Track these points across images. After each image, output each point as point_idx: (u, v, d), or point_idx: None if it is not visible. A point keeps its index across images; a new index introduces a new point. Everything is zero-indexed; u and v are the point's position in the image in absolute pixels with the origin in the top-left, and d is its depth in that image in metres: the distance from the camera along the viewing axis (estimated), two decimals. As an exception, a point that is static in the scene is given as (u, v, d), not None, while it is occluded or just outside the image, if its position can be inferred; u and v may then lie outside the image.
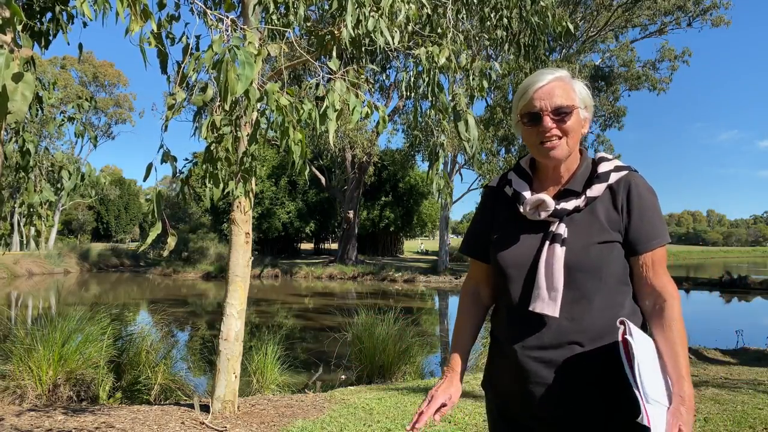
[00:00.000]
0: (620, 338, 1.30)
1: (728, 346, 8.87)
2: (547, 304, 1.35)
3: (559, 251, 1.37)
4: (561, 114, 1.39)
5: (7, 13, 1.81)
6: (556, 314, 1.35)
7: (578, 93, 1.44)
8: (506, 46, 4.77)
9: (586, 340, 1.35)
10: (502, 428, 1.52)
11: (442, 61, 3.07)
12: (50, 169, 3.80)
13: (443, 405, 1.48)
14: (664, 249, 1.42)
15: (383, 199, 38.41)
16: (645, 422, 1.21)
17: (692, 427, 1.31)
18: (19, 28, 1.49)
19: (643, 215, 1.40)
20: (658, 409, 1.26)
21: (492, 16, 4.61)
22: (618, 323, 1.31)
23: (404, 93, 3.28)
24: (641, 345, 1.30)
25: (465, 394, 5.12)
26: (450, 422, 4.15)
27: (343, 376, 6.93)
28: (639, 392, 1.23)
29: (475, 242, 1.60)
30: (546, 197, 1.41)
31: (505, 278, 1.46)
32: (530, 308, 1.37)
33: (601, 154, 1.50)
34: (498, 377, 1.51)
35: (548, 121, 1.39)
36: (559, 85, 1.41)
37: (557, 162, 1.44)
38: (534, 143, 1.43)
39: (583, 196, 1.42)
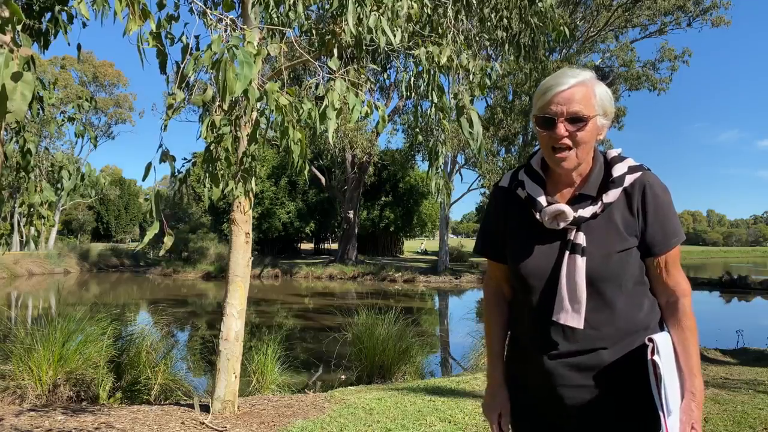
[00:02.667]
0: (649, 357, 1.33)
1: (728, 346, 8.86)
2: (571, 316, 1.37)
3: (580, 262, 1.37)
4: (576, 123, 1.36)
5: (6, 13, 1.81)
6: (581, 326, 1.36)
7: (598, 99, 1.39)
8: (506, 47, 4.77)
9: (610, 343, 1.38)
10: (527, 427, 1.54)
11: (443, 60, 3.07)
12: (50, 169, 3.80)
13: (500, 416, 1.56)
14: (678, 247, 1.43)
15: (383, 199, 38.39)
16: None
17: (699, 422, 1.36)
18: (19, 27, 1.49)
19: (658, 217, 1.40)
20: (676, 417, 1.33)
21: (492, 16, 4.62)
22: (646, 341, 1.34)
23: (404, 93, 3.28)
24: (665, 353, 1.34)
25: (464, 394, 5.12)
26: (450, 422, 4.14)
27: (343, 376, 6.93)
28: (663, 411, 1.30)
29: (490, 243, 1.58)
30: (566, 208, 1.39)
31: (526, 287, 1.46)
32: (554, 318, 1.39)
33: (614, 153, 1.47)
34: (523, 378, 1.51)
35: (561, 129, 1.36)
36: (579, 91, 1.37)
37: (565, 172, 1.42)
38: (546, 147, 1.41)
39: (600, 202, 1.40)
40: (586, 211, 1.39)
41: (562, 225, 1.40)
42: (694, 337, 1.40)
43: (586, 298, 1.36)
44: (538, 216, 1.43)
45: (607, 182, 1.41)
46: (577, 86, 1.37)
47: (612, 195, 1.40)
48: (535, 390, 1.46)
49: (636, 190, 1.40)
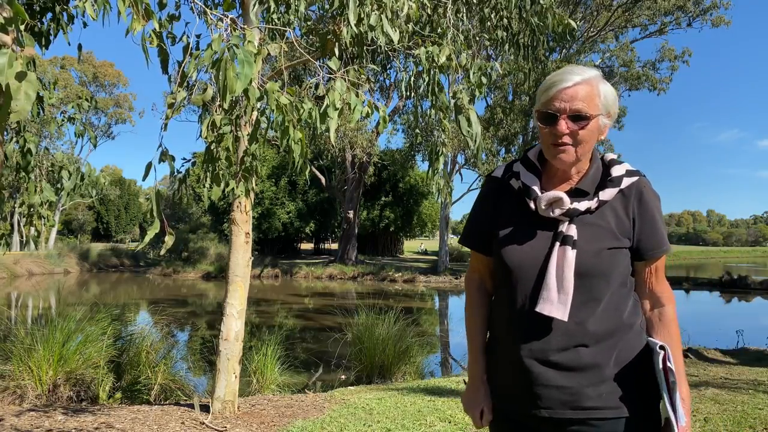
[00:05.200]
0: (660, 366, 1.32)
1: (728, 346, 8.86)
2: (556, 307, 1.34)
3: (571, 254, 1.35)
4: (578, 120, 1.35)
5: (6, 13, 1.81)
6: (565, 318, 1.34)
7: (603, 98, 1.38)
8: (506, 46, 4.78)
9: (591, 341, 1.36)
10: (504, 429, 1.51)
11: (442, 60, 3.07)
12: (50, 169, 3.80)
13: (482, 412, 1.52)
14: (664, 257, 1.46)
15: (383, 199, 38.39)
16: None
17: (691, 427, 1.36)
18: (22, 27, 1.49)
19: (653, 224, 1.41)
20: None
21: (492, 16, 4.62)
22: (658, 348, 1.33)
23: (404, 93, 3.29)
24: (676, 362, 1.35)
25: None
26: (450, 422, 4.15)
27: (343, 376, 6.94)
28: (676, 419, 1.29)
29: (477, 234, 1.56)
30: (563, 195, 1.39)
31: (510, 277, 1.43)
32: (537, 309, 1.35)
33: (611, 156, 1.47)
34: (500, 377, 1.48)
35: (563, 125, 1.35)
36: (583, 89, 1.36)
37: (563, 166, 1.41)
38: (546, 142, 1.40)
39: (596, 199, 1.40)
40: (582, 205, 1.39)
41: (557, 212, 1.39)
42: (678, 344, 1.42)
43: (573, 291, 1.34)
44: (532, 204, 1.42)
45: (605, 181, 1.42)
46: (582, 84, 1.36)
47: (609, 193, 1.40)
48: (512, 391, 1.43)
49: (633, 194, 1.41)
